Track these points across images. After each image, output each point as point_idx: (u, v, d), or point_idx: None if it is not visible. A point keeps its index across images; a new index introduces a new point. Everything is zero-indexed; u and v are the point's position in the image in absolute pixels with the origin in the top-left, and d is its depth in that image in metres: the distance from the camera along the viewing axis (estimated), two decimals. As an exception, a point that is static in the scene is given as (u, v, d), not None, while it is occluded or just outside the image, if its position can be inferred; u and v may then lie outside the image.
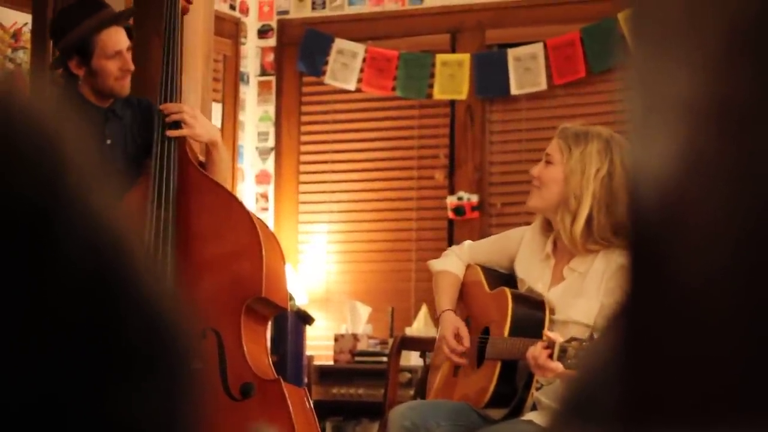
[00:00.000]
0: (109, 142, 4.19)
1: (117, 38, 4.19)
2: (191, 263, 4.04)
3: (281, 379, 4.08)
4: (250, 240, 4.06)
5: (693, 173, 0.53)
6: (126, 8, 4.45)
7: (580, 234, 3.74)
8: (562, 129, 3.91)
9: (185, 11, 4.37)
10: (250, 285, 4.05)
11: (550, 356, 3.51)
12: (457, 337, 3.98)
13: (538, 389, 3.82)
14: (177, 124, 4.14)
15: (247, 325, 4.07)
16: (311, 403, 4.24)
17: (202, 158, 4.29)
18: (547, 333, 3.62)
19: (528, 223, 4.15)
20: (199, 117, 4.21)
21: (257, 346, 4.13)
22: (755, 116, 0.52)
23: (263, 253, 4.04)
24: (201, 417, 0.62)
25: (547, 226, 3.94)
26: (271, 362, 4.19)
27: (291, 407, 3.99)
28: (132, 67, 4.21)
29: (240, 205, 4.22)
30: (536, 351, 3.54)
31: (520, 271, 3.97)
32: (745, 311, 0.52)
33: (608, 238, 3.73)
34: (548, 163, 3.87)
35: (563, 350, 3.48)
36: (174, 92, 4.19)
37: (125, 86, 4.21)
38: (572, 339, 3.50)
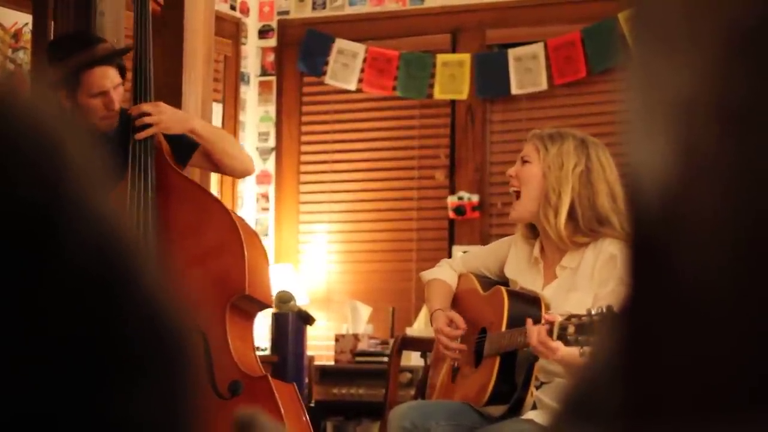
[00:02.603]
0: (89, 149, 4.10)
1: (103, 78, 4.06)
2: (173, 263, 4.03)
3: (269, 376, 4.09)
4: (231, 238, 4.07)
5: (693, 172, 0.53)
6: (122, 47, 4.39)
7: (565, 227, 3.76)
8: (534, 133, 3.95)
9: (156, 13, 4.36)
10: (233, 283, 4.06)
11: (550, 334, 3.51)
12: (452, 324, 3.98)
13: (537, 388, 3.82)
14: (147, 126, 4.12)
15: (233, 323, 4.08)
16: (301, 398, 4.24)
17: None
18: (546, 315, 3.62)
19: None
20: (166, 110, 4.16)
21: (244, 344, 4.15)
22: (754, 116, 0.52)
23: (245, 250, 4.05)
24: (199, 418, 0.62)
25: (530, 233, 3.96)
26: (258, 359, 4.20)
27: (280, 403, 4.00)
28: (117, 107, 4.08)
29: (219, 203, 4.23)
30: (534, 332, 3.54)
31: (511, 274, 4.00)
32: (747, 309, 0.52)
33: (595, 229, 3.76)
34: (525, 162, 3.89)
35: (563, 328, 3.48)
36: (146, 94, 4.17)
37: (110, 125, 4.09)
38: (571, 316, 3.50)
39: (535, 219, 3.88)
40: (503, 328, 3.83)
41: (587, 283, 3.75)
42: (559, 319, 3.53)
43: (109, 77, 4.08)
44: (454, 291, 4.15)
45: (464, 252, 4.39)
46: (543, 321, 3.62)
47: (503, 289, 3.90)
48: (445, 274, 4.16)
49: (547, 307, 3.80)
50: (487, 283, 4.08)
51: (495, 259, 4.10)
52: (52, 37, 4.65)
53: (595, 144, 3.84)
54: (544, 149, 3.85)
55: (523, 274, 3.95)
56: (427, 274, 4.21)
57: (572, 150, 3.81)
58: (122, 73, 4.13)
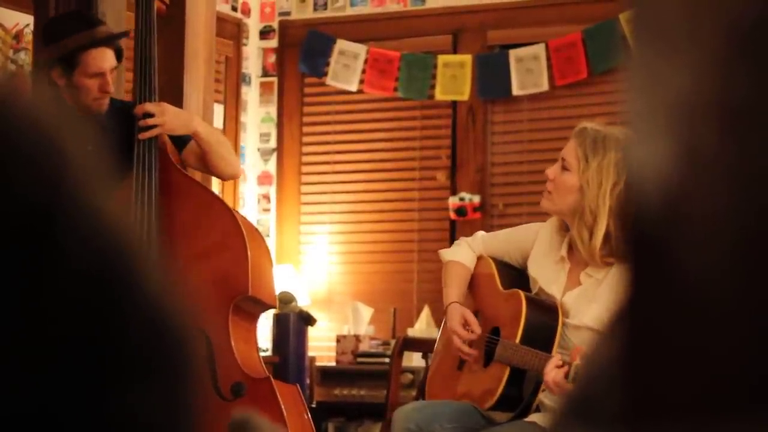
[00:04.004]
0: (89, 149, 4.08)
1: (102, 59, 4.07)
2: (176, 264, 4.02)
3: (271, 377, 4.08)
4: (234, 239, 4.07)
5: (694, 171, 0.53)
6: (122, 31, 4.39)
7: (599, 248, 3.70)
8: (580, 131, 3.79)
9: (161, 12, 4.36)
10: (236, 284, 4.05)
11: (566, 375, 3.51)
12: (466, 325, 3.94)
13: (542, 390, 3.81)
14: (151, 127, 4.13)
15: (236, 324, 4.08)
16: (304, 399, 4.24)
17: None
18: (576, 357, 3.57)
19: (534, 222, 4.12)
20: (168, 111, 4.16)
21: (247, 345, 4.14)
22: (754, 115, 0.52)
23: (248, 251, 4.05)
24: (202, 419, 0.62)
25: (564, 225, 3.88)
26: (261, 360, 4.20)
27: (283, 404, 3.99)
28: (111, 89, 4.09)
29: (223, 204, 4.23)
30: (552, 369, 3.53)
31: (533, 271, 3.92)
32: (748, 308, 0.52)
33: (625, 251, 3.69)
34: (564, 169, 3.79)
35: (578, 372, 3.47)
36: (150, 93, 4.17)
37: (102, 105, 4.10)
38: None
39: (567, 220, 3.81)
40: (518, 337, 3.79)
41: (609, 297, 3.69)
42: (576, 362, 3.51)
43: (107, 59, 4.09)
44: (471, 273, 4.08)
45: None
46: (554, 352, 3.62)
47: (522, 294, 3.84)
48: (464, 255, 4.08)
49: (566, 315, 3.76)
50: (506, 272, 4.00)
51: (518, 249, 4.01)
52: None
53: None
54: (584, 160, 3.72)
55: (547, 272, 3.87)
56: (447, 254, 4.13)
57: (613, 165, 3.67)
58: (119, 56, 4.15)
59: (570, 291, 3.80)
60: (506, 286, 3.95)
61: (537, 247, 3.93)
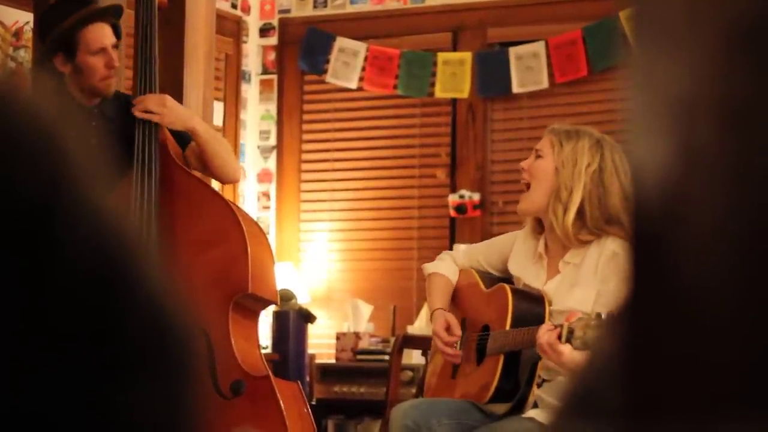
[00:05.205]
0: (93, 141, 4.08)
1: (102, 34, 4.07)
2: (175, 261, 4.01)
3: (271, 375, 4.07)
4: (234, 235, 4.05)
5: (693, 171, 0.53)
6: (114, 5, 4.39)
7: (572, 225, 3.76)
8: (551, 128, 3.95)
9: (162, 5, 4.35)
10: (236, 281, 4.04)
11: (558, 338, 3.51)
12: (448, 329, 3.99)
13: (539, 386, 3.82)
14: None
15: (236, 321, 4.06)
16: (305, 396, 4.23)
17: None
18: (569, 320, 3.60)
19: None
20: (169, 105, 4.15)
21: (247, 342, 4.13)
22: (754, 114, 0.52)
23: (248, 248, 4.03)
24: (201, 417, 0.62)
25: (538, 228, 3.96)
26: (262, 357, 4.19)
27: (282, 402, 3.99)
28: (117, 63, 4.09)
29: (224, 201, 4.21)
30: (545, 333, 3.54)
31: (515, 269, 3.99)
32: (747, 308, 0.52)
33: (601, 227, 3.76)
34: (538, 156, 3.89)
35: (570, 331, 3.47)
36: (151, 85, 4.17)
37: (110, 85, 4.10)
38: (578, 319, 3.49)
39: (543, 214, 3.88)
40: (507, 325, 3.83)
41: (590, 279, 3.75)
42: (568, 322, 3.52)
43: (107, 35, 4.09)
44: (454, 286, 4.15)
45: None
46: (547, 322, 3.63)
47: (507, 287, 3.90)
48: (446, 268, 4.16)
49: (550, 303, 3.80)
50: (488, 278, 4.07)
51: (498, 254, 4.09)
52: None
53: (611, 145, 3.83)
54: (558, 145, 3.85)
55: (527, 270, 3.94)
56: (429, 267, 4.21)
57: (587, 149, 3.81)
58: (117, 32, 4.14)
59: (550, 280, 3.85)
60: (490, 287, 4.01)
61: (516, 250, 4.01)
